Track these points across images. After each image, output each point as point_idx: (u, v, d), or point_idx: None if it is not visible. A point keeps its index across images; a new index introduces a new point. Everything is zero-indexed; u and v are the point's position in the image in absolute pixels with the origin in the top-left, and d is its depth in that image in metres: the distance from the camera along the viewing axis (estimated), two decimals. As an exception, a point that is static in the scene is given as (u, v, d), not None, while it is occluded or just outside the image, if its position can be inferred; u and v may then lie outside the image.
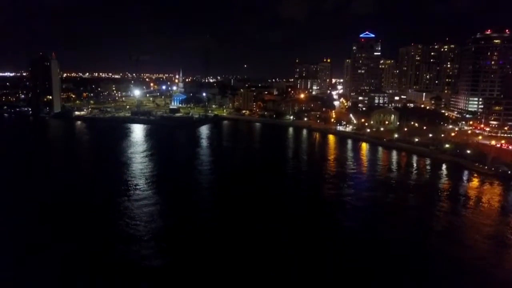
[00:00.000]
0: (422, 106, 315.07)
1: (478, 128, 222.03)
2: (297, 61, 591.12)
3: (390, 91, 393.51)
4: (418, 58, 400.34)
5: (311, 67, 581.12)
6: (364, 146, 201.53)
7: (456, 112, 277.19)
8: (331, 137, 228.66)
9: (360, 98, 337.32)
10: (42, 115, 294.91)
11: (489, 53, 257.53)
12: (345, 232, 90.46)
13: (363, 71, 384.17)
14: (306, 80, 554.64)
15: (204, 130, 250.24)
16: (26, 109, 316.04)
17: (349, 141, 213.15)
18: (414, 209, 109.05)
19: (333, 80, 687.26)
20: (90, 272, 70.33)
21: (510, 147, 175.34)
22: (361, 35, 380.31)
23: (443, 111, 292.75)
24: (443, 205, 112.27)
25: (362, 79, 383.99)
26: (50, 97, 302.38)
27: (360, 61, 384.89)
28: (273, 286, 68.02)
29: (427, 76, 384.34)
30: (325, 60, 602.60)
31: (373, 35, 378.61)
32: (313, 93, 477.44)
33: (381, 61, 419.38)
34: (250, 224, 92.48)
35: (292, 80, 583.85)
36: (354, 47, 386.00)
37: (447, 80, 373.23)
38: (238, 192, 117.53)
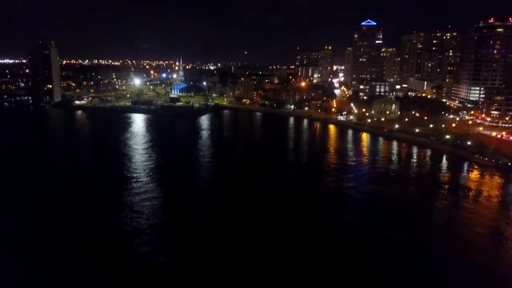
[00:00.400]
0: (424, 95, 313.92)
1: (479, 118, 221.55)
2: (298, 48, 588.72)
3: (392, 80, 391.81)
4: (420, 46, 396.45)
5: (312, 54, 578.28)
6: (365, 136, 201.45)
7: (457, 101, 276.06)
8: (331, 127, 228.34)
9: (361, 86, 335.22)
10: (42, 104, 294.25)
11: (491, 42, 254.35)
12: (344, 227, 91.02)
13: (364, 60, 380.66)
14: (307, 67, 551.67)
15: (204, 120, 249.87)
16: (26, 98, 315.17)
17: (350, 132, 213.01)
18: (414, 202, 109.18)
19: (334, 67, 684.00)
20: (91, 269, 71.13)
21: (510, 138, 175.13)
22: (362, 23, 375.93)
23: (444, 100, 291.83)
24: (443, 197, 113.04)
25: (364, 68, 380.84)
26: (50, 86, 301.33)
27: (362, 50, 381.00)
28: (273, 280, 68.79)
29: (429, 64, 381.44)
30: (326, 47, 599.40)
31: (374, 23, 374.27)
32: (314, 81, 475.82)
33: (383, 49, 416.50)
34: (249, 218, 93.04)
35: (293, 67, 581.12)
36: (355, 35, 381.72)
37: (449, 68, 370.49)
38: (238, 186, 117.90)
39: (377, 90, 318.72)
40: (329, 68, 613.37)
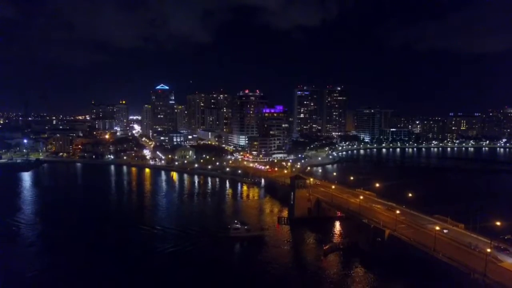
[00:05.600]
0: (209, 142, 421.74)
1: (246, 156, 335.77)
2: (93, 102, 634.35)
3: (184, 131, 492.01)
4: (202, 104, 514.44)
5: (108, 108, 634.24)
6: (174, 175, 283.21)
7: (232, 146, 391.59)
8: (147, 171, 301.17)
9: (162, 138, 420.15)
10: None
11: (248, 105, 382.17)
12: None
13: (162, 116, 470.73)
14: (104, 120, 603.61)
15: (31, 174, 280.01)
16: None
17: (163, 172, 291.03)
18: (217, 205, 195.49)
19: (130, 117, 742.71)
20: None
21: (261, 167, 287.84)
22: (157, 87, 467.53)
23: (223, 145, 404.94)
24: (228, 201, 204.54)
25: (162, 122, 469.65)
26: None
27: (159, 108, 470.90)
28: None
29: (210, 118, 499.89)
30: (121, 101, 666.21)
31: (167, 87, 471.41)
32: (118, 133, 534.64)
33: (175, 106, 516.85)
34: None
35: (89, 118, 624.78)
36: (153, 97, 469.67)
37: (224, 121, 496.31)
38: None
39: (175, 140, 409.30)
40: (125, 120, 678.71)
